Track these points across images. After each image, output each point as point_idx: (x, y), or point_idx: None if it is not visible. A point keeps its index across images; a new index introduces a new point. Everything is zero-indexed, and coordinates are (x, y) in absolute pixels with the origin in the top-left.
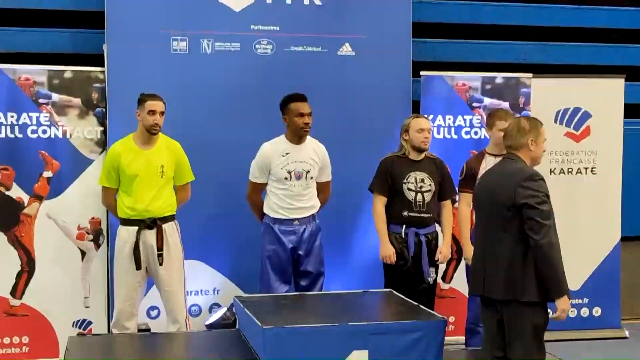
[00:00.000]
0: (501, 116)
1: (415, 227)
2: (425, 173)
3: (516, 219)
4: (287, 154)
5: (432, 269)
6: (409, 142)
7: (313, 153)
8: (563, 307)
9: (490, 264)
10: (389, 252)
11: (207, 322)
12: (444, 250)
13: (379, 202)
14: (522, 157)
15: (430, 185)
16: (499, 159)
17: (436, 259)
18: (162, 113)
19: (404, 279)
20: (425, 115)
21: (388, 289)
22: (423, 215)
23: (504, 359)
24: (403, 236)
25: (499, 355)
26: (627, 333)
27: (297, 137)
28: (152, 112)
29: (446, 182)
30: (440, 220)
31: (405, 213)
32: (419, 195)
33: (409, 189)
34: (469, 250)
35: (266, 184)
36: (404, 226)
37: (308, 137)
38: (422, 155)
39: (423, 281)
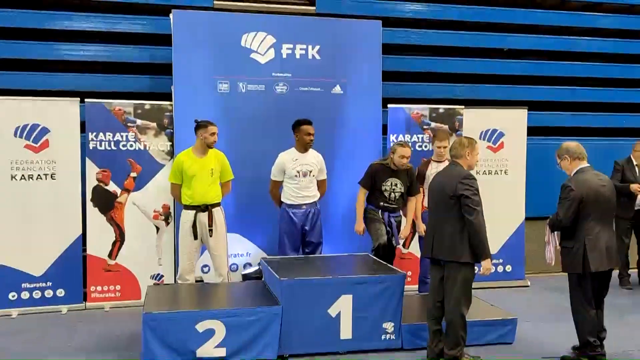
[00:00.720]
0: (439, 137)
1: (387, 212)
2: (399, 179)
3: (457, 205)
4: (296, 159)
5: (399, 239)
6: (392, 160)
7: (314, 159)
8: (487, 266)
9: (437, 236)
10: (360, 228)
11: (244, 273)
12: (404, 231)
13: (362, 193)
14: (461, 163)
15: (401, 188)
16: (440, 164)
17: (400, 237)
18: (217, 134)
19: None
20: (409, 144)
21: (365, 253)
22: (393, 206)
23: (442, 302)
24: (380, 215)
25: (439, 299)
26: (529, 283)
27: (303, 149)
28: (212, 134)
29: (413, 185)
30: (405, 209)
31: (382, 203)
32: (392, 194)
33: (386, 190)
34: (421, 226)
35: (282, 181)
36: (380, 210)
37: (310, 149)
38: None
39: (393, 246)
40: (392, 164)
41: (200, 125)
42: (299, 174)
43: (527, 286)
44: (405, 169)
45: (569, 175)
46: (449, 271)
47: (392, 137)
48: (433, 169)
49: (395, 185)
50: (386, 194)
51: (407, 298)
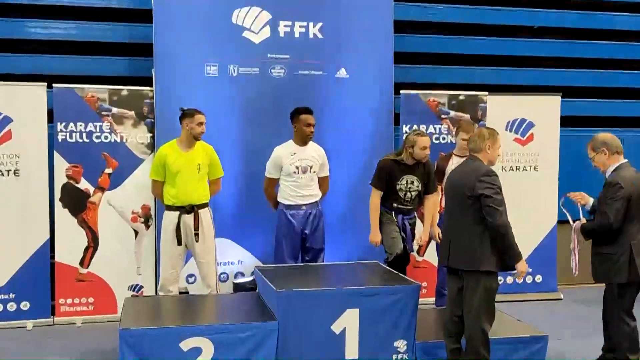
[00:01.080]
0: (465, 128)
1: (401, 214)
2: (415, 176)
3: (475, 206)
4: (294, 153)
5: (414, 244)
6: (412, 154)
7: (315, 153)
8: (522, 269)
9: (454, 241)
10: (376, 239)
11: (235, 281)
12: (423, 236)
13: (376, 195)
14: (480, 158)
15: (417, 186)
16: (462, 159)
17: (417, 243)
18: (205, 124)
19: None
20: (426, 133)
21: (375, 261)
22: (408, 207)
23: (461, 317)
24: (394, 217)
25: (458, 314)
26: (561, 295)
27: (302, 141)
28: (200, 124)
29: (431, 181)
30: (421, 209)
31: (395, 205)
32: (408, 193)
33: (400, 189)
34: (436, 230)
35: (278, 179)
36: (393, 212)
37: (311, 142)
38: (415, 161)
39: (407, 253)
40: (409, 159)
41: (185, 114)
42: (298, 170)
43: (560, 299)
44: (422, 163)
45: (603, 172)
46: (468, 281)
47: (405, 128)
48: (454, 165)
49: (412, 183)
50: (401, 194)
51: (422, 312)
